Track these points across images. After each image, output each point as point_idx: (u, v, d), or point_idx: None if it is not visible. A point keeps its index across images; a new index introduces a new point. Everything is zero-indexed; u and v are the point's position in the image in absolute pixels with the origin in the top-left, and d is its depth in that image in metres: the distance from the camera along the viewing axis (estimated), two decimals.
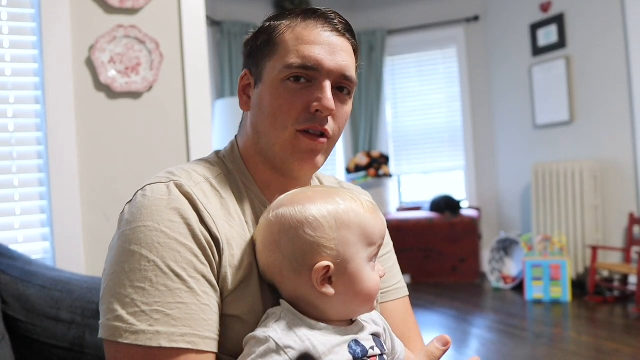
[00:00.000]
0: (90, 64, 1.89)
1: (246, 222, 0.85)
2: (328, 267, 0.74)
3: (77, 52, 1.88)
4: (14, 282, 1.34)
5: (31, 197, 1.86)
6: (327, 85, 0.84)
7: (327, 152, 0.90)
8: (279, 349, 0.69)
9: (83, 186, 1.88)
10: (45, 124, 1.83)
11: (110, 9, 1.91)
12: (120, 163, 1.92)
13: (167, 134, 1.99)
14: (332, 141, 0.90)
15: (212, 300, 0.76)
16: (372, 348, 0.77)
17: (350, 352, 0.74)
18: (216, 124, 4.24)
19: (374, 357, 0.76)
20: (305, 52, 0.84)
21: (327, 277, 0.75)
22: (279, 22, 0.88)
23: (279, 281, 0.78)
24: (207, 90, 2.04)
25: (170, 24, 2.00)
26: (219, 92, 4.82)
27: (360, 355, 0.75)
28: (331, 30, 0.86)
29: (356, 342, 0.76)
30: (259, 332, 0.72)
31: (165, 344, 0.70)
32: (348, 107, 0.90)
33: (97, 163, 1.90)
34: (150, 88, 1.96)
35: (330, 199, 0.78)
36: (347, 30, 0.89)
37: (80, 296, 1.38)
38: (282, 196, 0.81)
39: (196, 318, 0.73)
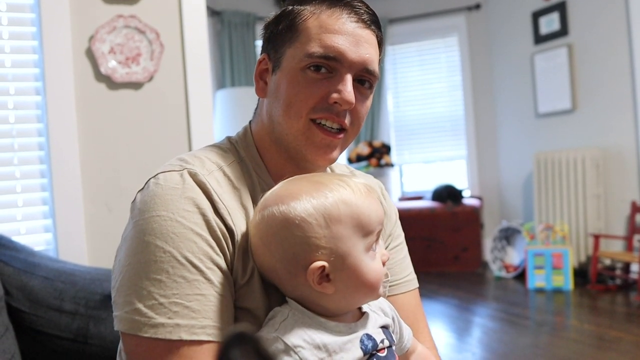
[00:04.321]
0: (90, 54, 1.88)
1: None
2: (323, 266, 0.71)
3: (77, 43, 1.87)
4: (17, 274, 1.34)
5: (33, 189, 1.85)
6: (349, 78, 0.82)
7: (343, 146, 0.88)
8: (288, 349, 0.67)
9: (85, 177, 1.87)
10: (46, 115, 1.83)
11: None
12: (121, 154, 1.92)
13: (168, 125, 1.98)
14: (349, 135, 0.87)
15: (227, 292, 0.75)
16: (382, 341, 0.75)
17: (362, 348, 0.72)
18: (217, 115, 4.23)
19: (383, 350, 0.75)
20: (328, 41, 0.81)
21: (324, 276, 0.72)
22: (302, 7, 0.84)
23: (277, 282, 0.76)
24: (208, 80, 2.03)
25: (170, 13, 1.98)
26: (220, 83, 4.80)
27: (370, 350, 0.73)
28: (357, 21, 0.83)
29: (368, 336, 0.74)
30: (267, 332, 0.70)
31: (185, 336, 0.69)
32: (368, 101, 0.88)
33: (98, 154, 1.90)
34: (150, 78, 1.95)
35: (316, 193, 0.73)
36: (373, 22, 0.86)
37: (84, 287, 1.38)
38: (268, 194, 0.77)
39: (215, 310, 0.72)
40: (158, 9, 1.96)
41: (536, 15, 4.50)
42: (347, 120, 0.84)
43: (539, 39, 4.50)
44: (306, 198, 0.72)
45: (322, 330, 0.71)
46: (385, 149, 5.15)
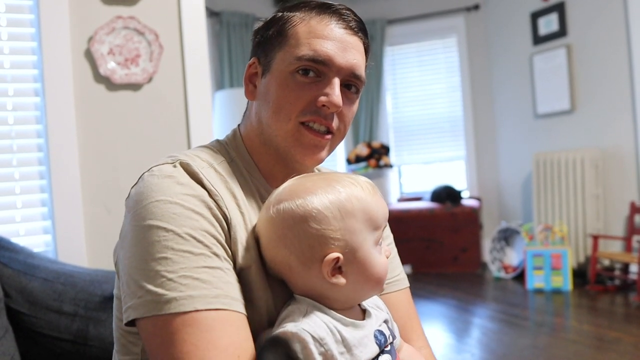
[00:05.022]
0: (89, 55, 1.88)
1: (252, 209, 0.84)
2: (337, 258, 0.74)
3: (76, 44, 1.87)
4: (17, 275, 1.34)
5: (32, 190, 1.85)
6: (336, 82, 0.84)
7: (330, 148, 0.90)
8: (315, 340, 0.69)
9: (84, 178, 1.87)
10: (45, 116, 1.82)
11: (108, 0, 1.90)
12: (120, 155, 1.92)
13: (167, 126, 1.98)
14: (337, 138, 0.90)
15: (231, 267, 0.76)
16: (389, 336, 0.79)
17: (377, 343, 0.75)
18: (216, 115, 4.22)
19: (387, 345, 0.78)
20: (317, 46, 0.83)
21: (337, 268, 0.75)
22: (292, 14, 0.87)
23: (288, 276, 0.78)
24: (207, 81, 2.03)
25: (169, 14, 1.98)
26: (219, 84, 4.80)
27: (383, 345, 0.76)
28: (344, 28, 0.86)
29: (380, 331, 0.77)
30: (291, 327, 0.70)
31: (200, 306, 0.69)
32: (355, 106, 0.91)
33: (97, 155, 1.89)
34: (150, 79, 1.95)
35: (330, 188, 0.76)
36: (360, 29, 0.89)
37: (83, 289, 1.38)
38: (280, 189, 0.80)
39: (224, 281, 0.73)
40: (157, 10, 1.96)
41: (535, 16, 4.51)
42: (334, 124, 0.87)
43: (538, 39, 4.51)
44: (322, 193, 0.76)
45: (341, 325, 0.74)
46: (384, 150, 5.15)
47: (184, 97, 2.00)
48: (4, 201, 1.82)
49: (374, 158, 5.09)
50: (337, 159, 5.58)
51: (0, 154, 1.82)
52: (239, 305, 0.73)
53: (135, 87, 1.94)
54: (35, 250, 1.56)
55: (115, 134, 1.92)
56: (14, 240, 1.47)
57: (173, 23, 1.99)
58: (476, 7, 5.15)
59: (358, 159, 5.15)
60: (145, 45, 1.93)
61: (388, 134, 5.52)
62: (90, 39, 1.87)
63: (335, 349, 0.70)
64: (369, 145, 5.18)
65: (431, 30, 5.36)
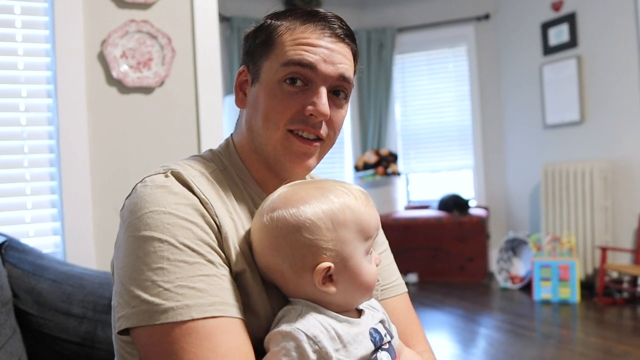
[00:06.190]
0: (102, 58, 1.89)
1: (245, 215, 0.85)
2: (329, 267, 0.75)
3: (89, 47, 1.88)
4: (26, 276, 1.34)
5: (42, 191, 1.86)
6: (323, 90, 0.85)
7: (320, 155, 0.91)
8: (309, 339, 0.70)
9: (94, 180, 1.88)
10: (57, 118, 1.83)
11: (122, 4, 1.91)
12: (131, 158, 1.92)
13: (178, 129, 1.98)
14: (327, 144, 0.90)
15: (227, 273, 0.77)
16: (385, 335, 0.80)
17: (372, 340, 0.77)
18: (225, 120, 4.23)
19: (385, 344, 0.79)
20: (302, 54, 0.84)
21: (328, 276, 0.76)
22: (279, 23, 0.88)
23: (281, 282, 0.79)
24: (218, 85, 2.04)
25: (182, 19, 1.99)
26: (228, 89, 4.81)
27: (378, 343, 0.78)
28: (330, 35, 0.86)
29: (375, 329, 0.79)
30: (285, 327, 0.72)
31: (196, 315, 0.70)
32: (344, 111, 0.91)
33: (108, 158, 1.90)
34: (162, 83, 1.95)
35: (323, 198, 0.77)
36: (347, 35, 0.88)
37: (92, 291, 1.38)
38: (275, 196, 0.81)
39: (220, 288, 0.74)
40: (170, 14, 1.97)
41: (545, 26, 4.50)
42: (323, 131, 0.87)
43: (548, 50, 4.50)
44: (315, 203, 0.77)
45: (336, 322, 0.75)
46: (392, 158, 5.15)
47: (195, 101, 2.00)
48: (14, 202, 1.83)
49: (382, 166, 5.08)
50: (344, 166, 5.58)
51: (12, 155, 1.83)
52: (235, 310, 0.74)
53: (147, 90, 1.94)
54: (44, 251, 1.56)
55: (126, 136, 1.92)
56: (24, 241, 1.47)
57: (186, 27, 2.00)
58: (486, 16, 5.15)
59: (366, 166, 5.15)
60: (158, 49, 1.94)
61: (396, 142, 5.52)
62: (104, 42, 1.88)
63: (329, 346, 0.71)
64: (377, 152, 5.17)
65: (441, 38, 5.36)
